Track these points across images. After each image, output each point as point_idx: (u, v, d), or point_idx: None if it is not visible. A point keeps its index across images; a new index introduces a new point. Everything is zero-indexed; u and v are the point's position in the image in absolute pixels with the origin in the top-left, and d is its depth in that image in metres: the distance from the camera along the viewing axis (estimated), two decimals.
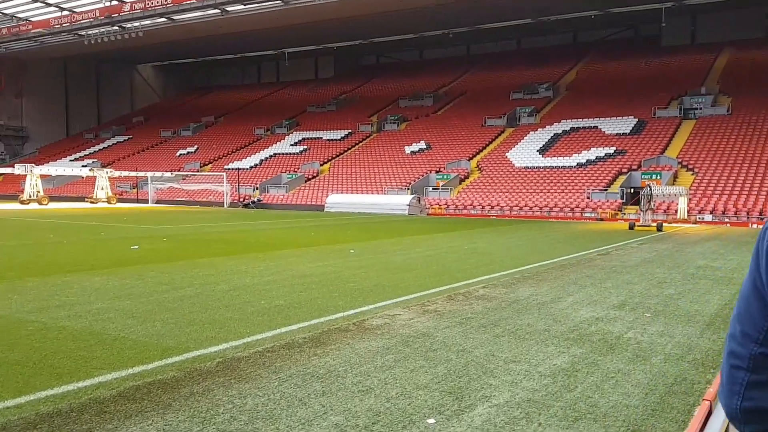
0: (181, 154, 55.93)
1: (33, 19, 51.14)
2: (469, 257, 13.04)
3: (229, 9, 46.32)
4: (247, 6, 45.36)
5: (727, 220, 27.65)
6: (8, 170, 41.01)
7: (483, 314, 6.98)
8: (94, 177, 40.39)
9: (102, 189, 38.69)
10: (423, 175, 40.84)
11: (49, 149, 64.03)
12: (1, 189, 54.45)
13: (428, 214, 34.18)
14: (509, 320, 6.69)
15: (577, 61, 57.19)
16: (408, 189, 38.60)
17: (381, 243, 16.10)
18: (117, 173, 42.37)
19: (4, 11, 50.62)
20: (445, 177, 39.75)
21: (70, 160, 58.40)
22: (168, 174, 45.98)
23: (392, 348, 5.46)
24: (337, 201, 35.71)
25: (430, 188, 39.09)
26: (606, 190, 33.18)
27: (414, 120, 52.46)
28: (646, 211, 20.78)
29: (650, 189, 20.89)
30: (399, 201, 33.67)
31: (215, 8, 45.83)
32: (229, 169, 48.74)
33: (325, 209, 35.78)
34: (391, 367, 4.89)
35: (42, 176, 39.87)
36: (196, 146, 57.14)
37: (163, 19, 48.47)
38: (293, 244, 15.67)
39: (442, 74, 62.25)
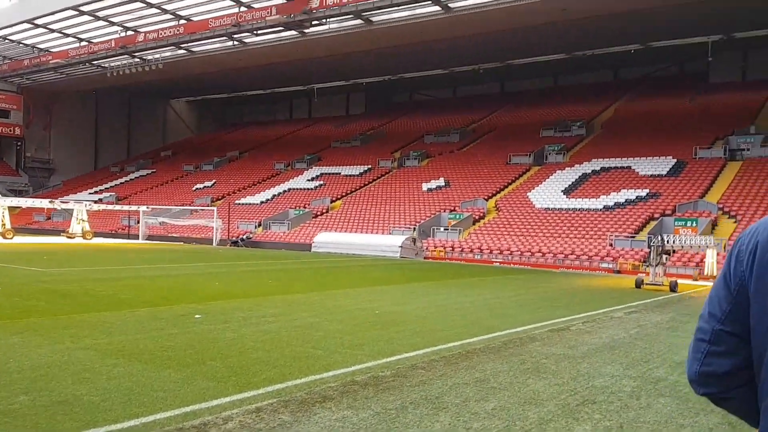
0: (197, 189, 54.41)
1: (54, 50, 51.19)
2: (367, 327, 9.67)
3: (246, 41, 44.97)
4: (261, 37, 43.79)
5: None
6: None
7: None
8: (77, 210, 37.67)
9: (79, 223, 36.20)
10: (434, 214, 37.52)
11: (74, 182, 63.85)
12: (19, 220, 53.91)
13: (425, 258, 30.64)
14: None
15: (617, 98, 53.18)
16: (414, 229, 35.27)
17: (279, 299, 12.85)
18: (97, 207, 40.02)
19: (25, 42, 50.89)
20: (458, 217, 36.31)
21: (90, 193, 57.78)
22: (156, 208, 43.69)
23: None
24: (325, 240, 32.48)
25: (442, 228, 35.68)
26: (633, 237, 29.02)
27: (437, 156, 49.40)
28: (657, 265, 16.71)
29: (662, 239, 16.83)
30: (390, 242, 30.23)
31: (229, 39, 44.51)
32: (239, 204, 46.70)
33: (312, 249, 32.56)
34: None
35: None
36: (213, 180, 55.60)
37: (182, 51, 47.57)
38: (156, 300, 12.59)
39: (473, 111, 59.24)
